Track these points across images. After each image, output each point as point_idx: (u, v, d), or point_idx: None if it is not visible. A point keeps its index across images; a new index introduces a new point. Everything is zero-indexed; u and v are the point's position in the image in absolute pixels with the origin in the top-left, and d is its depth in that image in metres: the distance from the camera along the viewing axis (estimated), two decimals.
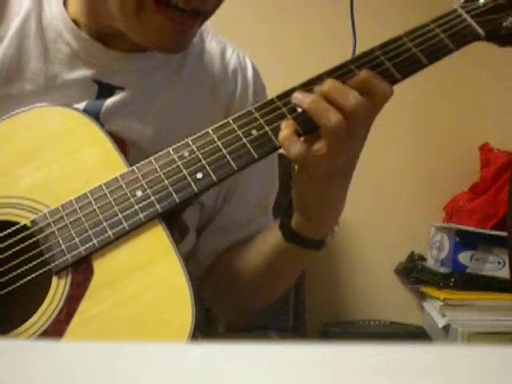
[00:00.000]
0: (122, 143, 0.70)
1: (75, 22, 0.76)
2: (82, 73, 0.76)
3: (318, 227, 0.72)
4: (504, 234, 1.80)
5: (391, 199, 2.06)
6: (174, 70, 0.80)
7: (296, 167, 0.68)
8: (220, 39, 0.86)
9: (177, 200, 0.64)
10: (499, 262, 1.90)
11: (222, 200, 0.84)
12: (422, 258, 2.03)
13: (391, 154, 2.07)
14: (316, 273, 1.98)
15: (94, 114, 0.72)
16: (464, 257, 1.90)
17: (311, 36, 2.01)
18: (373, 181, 2.05)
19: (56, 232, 0.63)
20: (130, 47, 0.76)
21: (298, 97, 0.64)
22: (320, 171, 0.65)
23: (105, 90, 0.76)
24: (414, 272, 1.99)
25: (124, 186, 0.65)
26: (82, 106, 0.74)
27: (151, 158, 0.66)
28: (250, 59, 0.87)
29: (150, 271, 0.62)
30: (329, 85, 0.64)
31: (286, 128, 0.64)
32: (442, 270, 1.93)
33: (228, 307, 0.89)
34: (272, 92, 0.70)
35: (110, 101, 0.75)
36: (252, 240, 0.82)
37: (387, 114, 2.27)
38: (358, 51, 0.71)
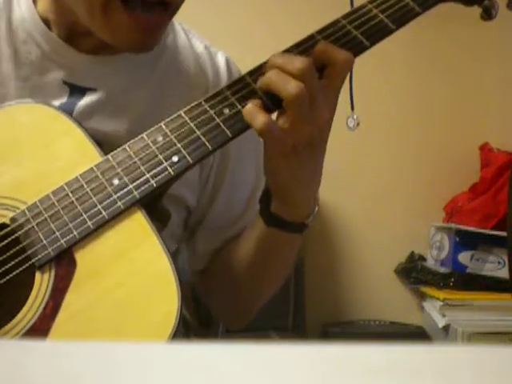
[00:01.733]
0: (98, 144, 0.69)
1: (45, 19, 0.76)
2: (52, 75, 0.75)
3: (294, 207, 0.71)
4: (504, 234, 1.80)
5: (391, 199, 2.06)
6: (148, 70, 0.79)
7: (263, 143, 0.67)
8: (199, 38, 0.86)
9: (154, 185, 0.64)
10: (499, 262, 1.90)
11: (208, 199, 0.83)
12: (422, 258, 2.03)
13: (391, 153, 2.07)
14: (316, 273, 1.98)
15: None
16: (464, 257, 1.90)
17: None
18: (373, 181, 2.05)
19: (35, 227, 0.63)
20: (101, 47, 0.75)
21: (260, 79, 0.65)
22: (286, 145, 0.64)
23: (76, 92, 0.75)
24: (413, 272, 1.99)
25: (100, 176, 0.64)
26: (56, 105, 0.74)
27: (125, 145, 0.66)
28: (223, 54, 0.86)
29: (132, 258, 0.62)
30: (275, 58, 0.65)
31: (251, 102, 0.64)
32: (442, 270, 1.93)
33: (228, 308, 0.88)
34: None
35: (82, 102, 0.75)
36: (242, 233, 0.82)
37: (387, 114, 2.27)
38: None
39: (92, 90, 0.76)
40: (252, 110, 0.63)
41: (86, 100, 0.75)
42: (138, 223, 0.63)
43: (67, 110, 0.73)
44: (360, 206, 2.05)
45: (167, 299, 0.59)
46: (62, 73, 0.75)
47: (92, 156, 0.66)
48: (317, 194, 0.73)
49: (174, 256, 0.84)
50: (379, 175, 2.06)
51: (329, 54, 0.65)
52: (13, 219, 0.64)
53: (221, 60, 0.85)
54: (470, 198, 1.99)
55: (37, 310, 0.60)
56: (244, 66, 0.89)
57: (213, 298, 0.89)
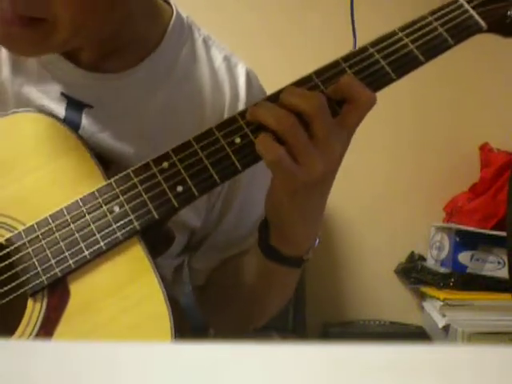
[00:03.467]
0: (105, 161, 0.67)
1: None
2: (49, 86, 0.72)
3: (294, 243, 0.68)
4: (504, 234, 1.80)
5: (391, 199, 2.06)
6: (156, 88, 0.74)
7: (272, 177, 0.64)
8: (219, 47, 0.80)
9: (156, 216, 0.61)
10: (499, 262, 1.90)
11: (215, 220, 0.80)
12: (422, 258, 2.03)
13: (391, 154, 2.07)
14: (316, 273, 1.98)
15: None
16: (464, 257, 1.90)
17: (311, 35, 2.01)
18: (373, 181, 2.05)
19: (31, 252, 0.61)
20: (99, 62, 0.72)
21: (253, 113, 0.62)
22: (297, 181, 0.60)
23: (74, 105, 0.72)
24: (413, 272, 1.99)
25: (101, 202, 0.62)
26: (60, 116, 0.71)
27: (130, 171, 0.63)
28: (244, 66, 0.80)
29: (127, 293, 0.59)
30: (287, 95, 0.61)
31: (264, 133, 0.60)
32: (442, 270, 1.93)
33: (225, 324, 0.86)
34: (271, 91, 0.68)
35: (85, 121, 0.72)
36: (245, 254, 0.78)
37: (387, 114, 2.28)
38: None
39: (89, 106, 0.72)
40: (264, 141, 0.60)
41: (89, 118, 0.72)
42: (136, 257, 0.61)
43: (73, 125, 0.70)
44: (360, 206, 2.05)
45: (161, 339, 0.57)
46: (60, 85, 0.72)
47: (95, 177, 0.64)
48: (320, 229, 0.70)
49: (178, 269, 0.84)
50: (379, 175, 2.06)
51: (353, 90, 0.61)
52: (9, 240, 0.62)
53: (241, 76, 0.79)
54: (470, 198, 1.99)
55: (27, 339, 0.58)
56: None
57: (209, 312, 0.87)
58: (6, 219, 0.63)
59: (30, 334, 0.59)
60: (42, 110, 0.69)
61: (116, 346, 0.26)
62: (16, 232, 0.62)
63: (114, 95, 0.73)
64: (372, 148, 2.04)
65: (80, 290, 0.60)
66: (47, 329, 0.59)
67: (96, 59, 0.72)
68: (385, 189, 2.06)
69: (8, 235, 0.62)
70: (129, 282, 0.60)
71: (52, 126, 0.67)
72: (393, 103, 2.06)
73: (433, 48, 0.65)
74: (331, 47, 1.87)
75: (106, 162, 0.67)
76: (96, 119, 0.72)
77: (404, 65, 0.65)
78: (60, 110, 0.72)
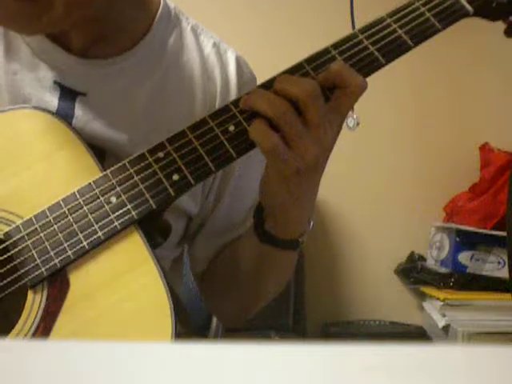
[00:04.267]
0: (100, 151, 0.67)
1: None
2: (43, 73, 0.73)
3: (288, 226, 0.69)
4: (504, 234, 1.80)
5: (391, 199, 2.06)
6: (145, 75, 0.75)
7: (266, 164, 0.65)
8: (208, 35, 0.81)
9: (153, 206, 0.62)
10: (499, 262, 1.90)
11: (211, 205, 0.81)
12: (422, 258, 2.03)
13: (391, 153, 2.07)
14: (316, 273, 1.98)
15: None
16: (464, 257, 1.90)
17: (311, 35, 2.01)
18: (372, 181, 2.05)
19: (30, 245, 0.61)
20: (90, 47, 0.73)
21: (247, 100, 0.63)
22: (291, 167, 0.62)
23: (66, 94, 0.72)
24: (414, 272, 1.99)
25: (98, 193, 0.62)
26: (53, 109, 0.71)
27: (125, 162, 0.63)
28: (234, 52, 0.82)
29: (126, 282, 0.60)
30: (280, 82, 0.62)
31: (258, 120, 0.62)
32: (442, 270, 1.93)
33: (225, 309, 0.87)
34: None
35: (79, 111, 0.72)
36: (242, 238, 0.80)
37: (387, 113, 2.27)
38: None
39: (82, 94, 0.73)
40: (260, 129, 0.61)
41: (82, 107, 0.72)
42: (135, 245, 0.61)
43: (67, 116, 0.70)
44: (360, 206, 2.05)
45: (161, 328, 0.57)
46: (53, 72, 0.73)
47: (91, 170, 0.64)
48: (313, 212, 0.71)
49: (178, 261, 0.84)
50: (379, 175, 2.06)
51: (344, 76, 0.62)
52: (7, 234, 0.62)
53: (231, 62, 0.80)
54: (470, 198, 1.99)
55: (28, 331, 0.59)
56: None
57: (211, 298, 0.88)
58: (4, 214, 0.63)
59: (31, 326, 0.59)
60: (37, 106, 0.69)
61: (116, 345, 0.26)
62: (14, 226, 0.62)
63: (105, 82, 0.74)
64: (372, 148, 2.04)
65: (79, 280, 0.60)
66: (48, 320, 0.59)
67: (86, 45, 0.73)
68: (385, 189, 2.06)
69: (6, 229, 0.62)
70: (128, 271, 0.60)
71: (47, 120, 0.67)
72: (393, 103, 2.06)
73: (421, 32, 0.67)
74: None
75: (100, 151, 0.67)
76: (89, 107, 0.73)
77: (393, 50, 0.66)
78: (53, 99, 0.72)
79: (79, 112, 0.72)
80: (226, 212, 0.81)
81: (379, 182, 2.05)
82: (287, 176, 0.63)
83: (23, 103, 0.71)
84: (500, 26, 0.75)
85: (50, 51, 0.73)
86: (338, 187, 1.99)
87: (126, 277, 0.60)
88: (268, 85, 0.64)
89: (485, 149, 2.04)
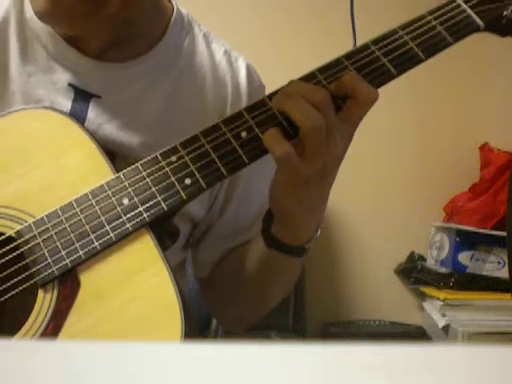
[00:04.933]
0: (110, 154, 0.67)
1: None
2: (58, 75, 0.73)
3: (295, 233, 0.70)
4: (504, 234, 1.80)
5: (391, 199, 2.06)
6: (160, 79, 0.76)
7: (276, 170, 0.65)
8: (219, 42, 0.83)
9: (165, 208, 0.62)
10: (499, 262, 1.90)
11: (218, 210, 0.81)
12: (422, 258, 2.03)
13: (391, 153, 2.07)
14: (316, 273, 1.98)
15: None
16: (464, 257, 1.90)
17: (310, 36, 2.01)
18: (372, 181, 2.05)
19: (41, 244, 0.61)
20: (107, 51, 0.74)
21: (277, 99, 0.64)
22: (301, 175, 0.63)
23: (81, 96, 0.73)
24: (414, 272, 1.99)
25: (110, 195, 0.63)
26: (66, 110, 0.72)
27: (138, 164, 0.64)
28: (244, 60, 0.83)
29: (137, 282, 0.60)
30: (297, 86, 0.63)
31: (272, 128, 0.63)
32: (442, 270, 1.93)
33: (228, 315, 0.87)
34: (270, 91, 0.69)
35: (92, 113, 0.73)
36: (248, 244, 0.80)
37: (387, 113, 2.27)
38: None
39: (97, 96, 0.74)
40: (273, 137, 0.62)
41: (95, 110, 0.73)
42: (146, 246, 0.62)
43: (79, 118, 0.71)
44: (360, 206, 2.05)
45: (171, 327, 0.57)
46: (68, 75, 0.74)
47: (103, 171, 0.64)
48: (322, 219, 0.72)
49: (181, 265, 0.84)
50: (379, 175, 2.06)
51: (356, 87, 0.63)
52: (19, 233, 0.62)
53: (241, 69, 0.81)
54: (470, 198, 1.99)
55: (37, 329, 0.59)
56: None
57: (214, 303, 0.88)
58: (16, 212, 0.63)
59: (41, 324, 0.59)
60: (49, 106, 0.69)
61: (117, 345, 0.26)
62: (26, 224, 0.62)
63: (120, 84, 0.74)
64: (372, 148, 2.04)
65: (90, 280, 0.61)
66: (58, 318, 0.59)
67: (103, 48, 0.74)
68: (385, 189, 2.06)
69: (18, 227, 0.62)
70: (138, 272, 0.61)
71: (60, 121, 0.68)
72: (393, 104, 2.06)
73: (433, 46, 0.67)
74: (331, 48, 1.87)
75: (111, 154, 0.68)
76: (102, 110, 0.73)
77: (405, 62, 0.67)
78: (66, 101, 0.73)
79: (92, 114, 0.73)
80: (233, 216, 0.81)
81: (379, 181, 2.05)
82: (296, 184, 0.64)
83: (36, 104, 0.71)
84: None
85: (66, 53, 0.74)
86: (338, 187, 1.98)
87: (137, 277, 0.60)
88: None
89: (485, 149, 2.04)
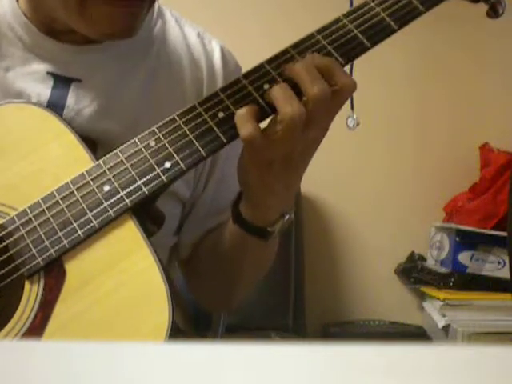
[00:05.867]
0: (91, 142, 0.68)
1: (26, 15, 0.74)
2: (35, 66, 0.73)
3: (257, 212, 0.70)
4: (504, 234, 1.80)
5: (391, 199, 2.06)
6: (137, 61, 0.77)
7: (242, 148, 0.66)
8: (192, 25, 0.83)
9: (146, 192, 0.62)
10: (499, 262, 1.90)
11: (199, 190, 0.82)
12: (422, 258, 2.03)
13: (391, 153, 2.07)
14: (316, 273, 1.98)
15: (57, 112, 0.70)
16: (464, 257, 1.90)
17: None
18: (372, 181, 2.05)
19: (25, 235, 0.61)
20: (83, 40, 0.74)
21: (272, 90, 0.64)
22: (263, 158, 0.63)
23: (60, 82, 0.73)
24: (414, 272, 1.99)
25: (91, 182, 0.63)
26: (44, 98, 0.72)
27: (117, 150, 0.64)
28: (218, 42, 0.83)
29: (122, 268, 0.60)
30: (301, 64, 0.63)
31: (245, 107, 0.63)
32: (442, 270, 1.93)
33: (208, 295, 0.88)
34: None
35: (71, 100, 0.73)
36: (223, 224, 0.80)
37: (387, 113, 2.26)
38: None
39: (77, 80, 0.74)
40: (243, 116, 0.62)
41: (75, 95, 0.73)
42: (129, 232, 0.62)
43: (58, 106, 0.71)
44: (360, 206, 2.05)
45: (158, 311, 0.58)
46: (45, 64, 0.74)
47: (83, 160, 0.64)
48: (289, 205, 0.72)
49: (174, 248, 0.85)
50: (379, 175, 2.06)
51: (336, 76, 0.62)
52: (2, 226, 0.62)
53: (216, 50, 0.82)
54: (470, 198, 1.99)
55: (26, 320, 0.59)
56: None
57: (195, 285, 0.88)
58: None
59: (29, 315, 0.59)
60: (27, 101, 0.70)
61: (115, 346, 0.26)
62: (9, 217, 0.62)
63: (99, 67, 0.75)
64: (372, 148, 2.04)
65: (76, 268, 0.61)
66: (46, 308, 0.59)
67: (82, 38, 0.74)
68: (385, 189, 2.06)
69: (1, 221, 0.63)
70: (124, 257, 0.61)
71: (37, 113, 0.68)
72: (393, 103, 2.06)
73: (404, 15, 0.67)
74: None
75: (92, 143, 0.68)
76: (83, 94, 0.73)
77: (377, 33, 0.67)
78: (46, 90, 0.73)
79: (71, 101, 0.73)
80: (211, 197, 0.82)
81: (379, 181, 2.05)
82: (259, 164, 0.64)
83: (15, 98, 0.71)
84: (500, 25, 0.75)
85: (43, 43, 0.74)
86: (338, 187, 1.98)
87: (122, 264, 0.61)
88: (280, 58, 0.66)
89: (485, 149, 2.03)
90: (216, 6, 1.97)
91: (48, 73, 0.73)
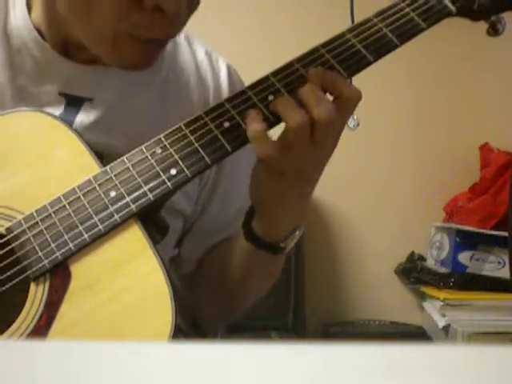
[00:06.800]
0: (98, 156, 0.69)
1: (38, 29, 0.74)
2: (47, 87, 0.74)
3: (269, 227, 0.71)
4: (504, 234, 1.80)
5: (391, 199, 2.06)
6: (147, 79, 0.78)
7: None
8: (200, 43, 0.85)
9: (151, 198, 0.63)
10: (499, 262, 1.90)
11: (202, 206, 0.82)
12: (422, 258, 2.03)
13: (391, 153, 2.07)
14: (316, 273, 1.98)
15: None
16: (464, 257, 1.90)
17: (310, 36, 2.01)
18: (372, 181, 2.05)
19: (31, 238, 0.62)
20: (94, 57, 0.74)
21: (276, 106, 0.64)
22: (276, 169, 0.64)
23: (72, 102, 0.74)
24: (414, 272, 1.99)
25: (97, 188, 0.64)
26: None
27: (124, 157, 0.65)
28: (224, 61, 0.85)
29: (126, 272, 0.61)
30: (306, 87, 0.63)
31: (257, 122, 0.63)
32: (442, 270, 1.93)
33: (210, 310, 0.87)
34: None
35: (80, 116, 0.74)
36: (230, 239, 0.81)
37: (387, 113, 2.26)
38: None
39: (89, 99, 0.74)
40: (259, 135, 0.63)
41: (85, 113, 0.74)
42: (135, 236, 0.63)
43: (66, 122, 0.71)
44: (360, 206, 2.05)
45: (161, 314, 0.58)
46: (58, 84, 0.74)
47: (90, 167, 0.66)
48: (301, 220, 0.72)
49: (173, 262, 0.85)
50: (379, 175, 2.06)
51: (342, 88, 0.64)
52: (8, 229, 0.63)
53: (222, 68, 0.83)
54: (470, 198, 1.99)
55: (31, 321, 0.60)
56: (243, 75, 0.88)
57: (198, 299, 0.88)
58: (5, 210, 0.64)
59: (35, 315, 0.60)
60: (37, 109, 0.70)
61: (116, 346, 0.26)
62: (15, 221, 0.63)
63: (110, 86, 0.76)
64: (372, 148, 2.04)
65: (81, 271, 0.62)
66: (51, 310, 0.60)
67: (95, 55, 0.74)
68: (385, 189, 2.06)
69: (8, 224, 0.63)
70: (128, 261, 0.62)
71: (46, 121, 0.69)
72: (393, 103, 2.06)
73: (406, 31, 0.69)
74: None
75: (98, 155, 0.69)
76: (92, 112, 0.74)
77: (379, 47, 0.68)
78: (58, 110, 0.73)
79: (80, 117, 0.74)
80: (215, 213, 0.83)
81: (379, 182, 2.05)
82: (272, 176, 0.65)
83: None
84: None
85: (55, 62, 0.74)
86: (338, 187, 1.98)
87: (127, 267, 0.61)
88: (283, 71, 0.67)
89: (485, 149, 2.03)
90: (216, 5, 1.97)
91: (60, 94, 0.74)
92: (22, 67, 0.74)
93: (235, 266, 0.77)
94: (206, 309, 0.88)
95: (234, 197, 0.83)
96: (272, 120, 0.64)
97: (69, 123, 0.72)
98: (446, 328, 1.81)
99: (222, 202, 0.82)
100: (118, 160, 0.65)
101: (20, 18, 0.74)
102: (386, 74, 2.02)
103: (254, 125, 0.63)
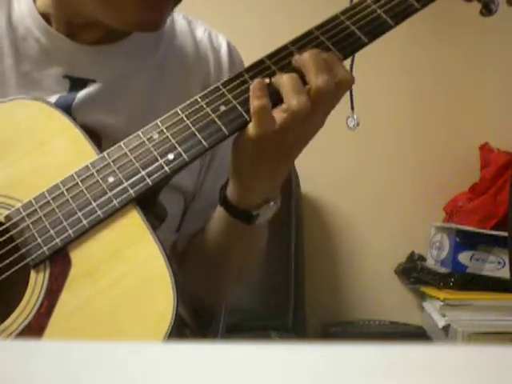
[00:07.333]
0: (96, 136, 0.69)
1: (44, 15, 0.76)
2: (52, 70, 0.75)
3: (242, 194, 0.71)
4: (504, 234, 1.80)
5: (391, 199, 2.06)
6: (145, 58, 0.79)
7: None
8: (199, 22, 0.86)
9: (150, 183, 0.64)
10: (499, 262, 1.90)
11: (200, 181, 0.83)
12: (422, 258, 2.03)
13: (391, 153, 2.07)
14: (316, 273, 1.98)
15: (65, 108, 0.71)
16: (464, 257, 1.90)
17: None
18: (372, 181, 2.05)
19: (30, 225, 0.62)
20: (100, 38, 0.76)
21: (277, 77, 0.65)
22: (264, 143, 0.65)
23: (77, 85, 0.75)
24: (414, 272, 1.99)
25: (95, 174, 0.64)
26: (53, 99, 0.74)
27: (121, 143, 0.65)
28: (224, 37, 0.86)
29: (126, 257, 0.61)
30: (309, 55, 0.64)
31: (261, 98, 0.63)
32: (442, 270, 1.93)
33: (202, 286, 0.88)
34: None
35: (80, 94, 0.75)
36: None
37: (387, 113, 2.27)
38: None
39: (92, 81, 0.75)
40: (265, 111, 0.63)
41: (85, 92, 0.75)
42: (134, 222, 0.63)
43: (66, 103, 0.73)
44: (360, 206, 2.05)
45: (162, 299, 0.59)
46: (62, 67, 0.75)
47: (88, 154, 0.66)
48: (275, 191, 0.73)
49: (175, 245, 0.85)
50: (379, 175, 2.06)
51: (334, 70, 0.64)
52: (7, 217, 0.63)
53: (223, 45, 0.84)
54: (470, 198, 1.99)
55: (32, 309, 0.60)
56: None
57: (188, 276, 0.89)
58: (5, 199, 0.65)
59: (35, 303, 0.60)
60: (35, 97, 0.70)
61: (115, 345, 0.26)
62: (14, 209, 0.63)
63: (111, 66, 0.77)
64: (372, 148, 2.04)
65: (81, 257, 0.62)
66: (51, 297, 0.60)
67: (100, 35, 0.76)
68: (385, 189, 2.06)
69: (6, 212, 0.63)
70: (127, 246, 0.62)
71: (43, 110, 0.69)
72: (393, 103, 2.06)
73: (400, 12, 0.69)
74: None
75: (96, 137, 0.70)
76: (93, 90, 0.75)
77: (374, 29, 0.69)
78: (61, 93, 0.74)
79: (80, 97, 0.74)
80: (210, 188, 0.83)
81: (379, 182, 2.05)
82: (256, 148, 0.65)
83: None
84: (500, 25, 0.75)
85: (60, 45, 0.75)
86: (338, 187, 1.98)
87: (126, 252, 0.61)
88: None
89: (485, 149, 2.03)
90: (216, 5, 1.97)
91: (64, 76, 0.75)
92: (27, 54, 0.75)
93: (216, 236, 0.78)
94: (197, 284, 0.88)
95: (224, 175, 0.83)
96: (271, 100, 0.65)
97: (69, 102, 0.73)
98: (446, 328, 1.81)
99: (217, 179, 0.83)
100: (116, 146, 0.65)
101: (25, 9, 0.77)
102: (387, 74, 2.02)
103: (259, 100, 0.63)
